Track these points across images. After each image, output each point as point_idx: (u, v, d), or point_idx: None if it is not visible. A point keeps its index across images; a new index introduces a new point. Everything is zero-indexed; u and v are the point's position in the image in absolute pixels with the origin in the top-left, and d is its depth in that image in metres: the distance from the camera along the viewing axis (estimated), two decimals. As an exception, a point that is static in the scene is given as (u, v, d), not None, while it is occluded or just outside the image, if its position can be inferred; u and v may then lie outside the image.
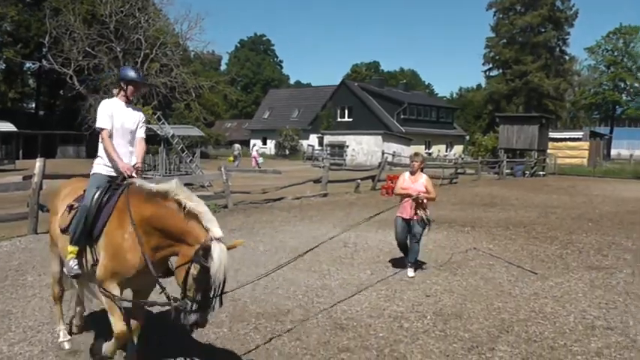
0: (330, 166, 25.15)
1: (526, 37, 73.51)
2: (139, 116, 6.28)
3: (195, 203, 4.95)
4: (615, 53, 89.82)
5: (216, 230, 4.79)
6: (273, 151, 68.17)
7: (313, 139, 65.34)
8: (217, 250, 4.66)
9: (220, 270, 4.66)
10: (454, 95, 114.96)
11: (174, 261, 5.17)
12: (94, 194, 5.63)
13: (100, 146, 6.08)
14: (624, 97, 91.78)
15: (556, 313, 7.93)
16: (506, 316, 7.75)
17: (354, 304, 8.15)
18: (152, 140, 31.55)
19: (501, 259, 11.21)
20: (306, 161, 55.78)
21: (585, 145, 55.33)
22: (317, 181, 22.88)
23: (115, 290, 5.26)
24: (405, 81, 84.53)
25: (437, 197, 10.47)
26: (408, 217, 9.87)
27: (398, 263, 10.50)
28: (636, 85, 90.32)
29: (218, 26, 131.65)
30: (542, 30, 74.07)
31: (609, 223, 16.81)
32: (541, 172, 41.20)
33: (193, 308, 4.74)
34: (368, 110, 64.08)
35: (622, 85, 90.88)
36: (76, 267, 5.62)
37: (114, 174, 5.93)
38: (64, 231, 5.78)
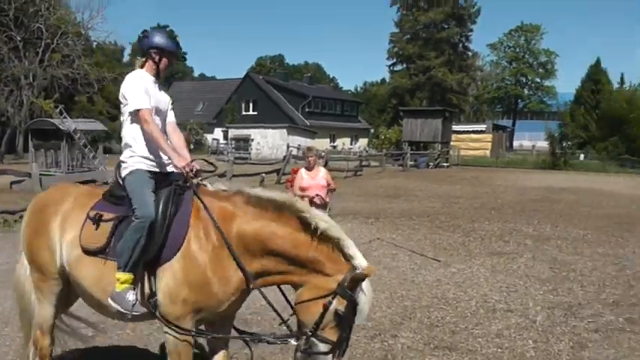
0: (235, 160, 24.82)
1: (429, 33, 74.82)
2: (167, 96, 5.04)
3: (329, 225, 4.01)
4: (517, 50, 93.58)
5: (361, 259, 3.96)
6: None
7: (218, 132, 64.29)
8: (366, 283, 3.92)
9: (368, 305, 3.96)
10: (359, 89, 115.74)
11: None
12: (159, 202, 4.22)
13: (132, 133, 4.56)
14: (526, 92, 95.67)
15: (458, 299, 7.98)
16: (409, 303, 7.73)
17: (256, 300, 7.86)
18: (54, 135, 30.14)
19: (405, 249, 11.23)
20: (211, 155, 54.97)
21: (488, 137, 57.09)
22: (221, 175, 22.42)
23: (188, 326, 4.12)
24: (309, 74, 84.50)
25: (338, 189, 10.36)
26: None
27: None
28: (537, 79, 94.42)
29: (120, 16, 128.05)
30: (446, 26, 75.60)
31: (511, 211, 17.26)
32: (445, 164, 42.10)
33: (324, 349, 3.90)
34: (273, 104, 63.62)
35: (523, 80, 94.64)
36: (137, 303, 4.12)
37: (156, 169, 4.53)
38: (94, 252, 4.27)
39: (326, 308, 3.86)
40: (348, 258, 3.96)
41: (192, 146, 64.39)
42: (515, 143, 77.87)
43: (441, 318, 7.16)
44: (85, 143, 30.71)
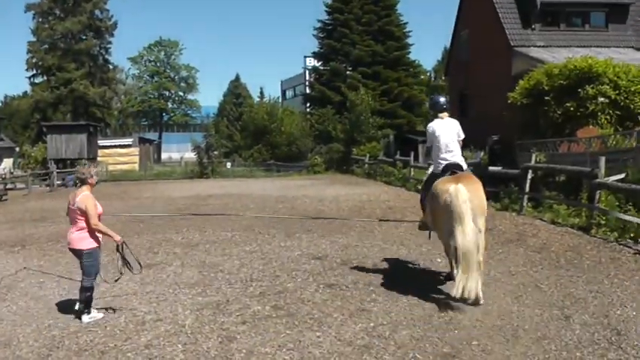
0: None
1: (68, 44, 71.71)
2: None
3: None
4: (158, 64, 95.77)
5: None
6: None
7: None
8: None
9: None
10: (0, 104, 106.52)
11: None
12: None
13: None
14: (170, 105, 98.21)
15: (107, 317, 7.95)
16: (57, 332, 7.44)
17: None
18: None
19: (52, 275, 10.75)
20: None
21: (135, 150, 57.30)
22: None
23: None
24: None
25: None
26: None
27: None
28: (180, 93, 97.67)
29: None
30: (84, 37, 73.23)
31: (160, 221, 17.55)
32: (94, 179, 41.05)
33: None
34: None
35: (167, 93, 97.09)
36: None
37: None
38: None
39: None
40: None
41: None
42: (164, 155, 79.86)
43: (90, 341, 7.02)
44: None
